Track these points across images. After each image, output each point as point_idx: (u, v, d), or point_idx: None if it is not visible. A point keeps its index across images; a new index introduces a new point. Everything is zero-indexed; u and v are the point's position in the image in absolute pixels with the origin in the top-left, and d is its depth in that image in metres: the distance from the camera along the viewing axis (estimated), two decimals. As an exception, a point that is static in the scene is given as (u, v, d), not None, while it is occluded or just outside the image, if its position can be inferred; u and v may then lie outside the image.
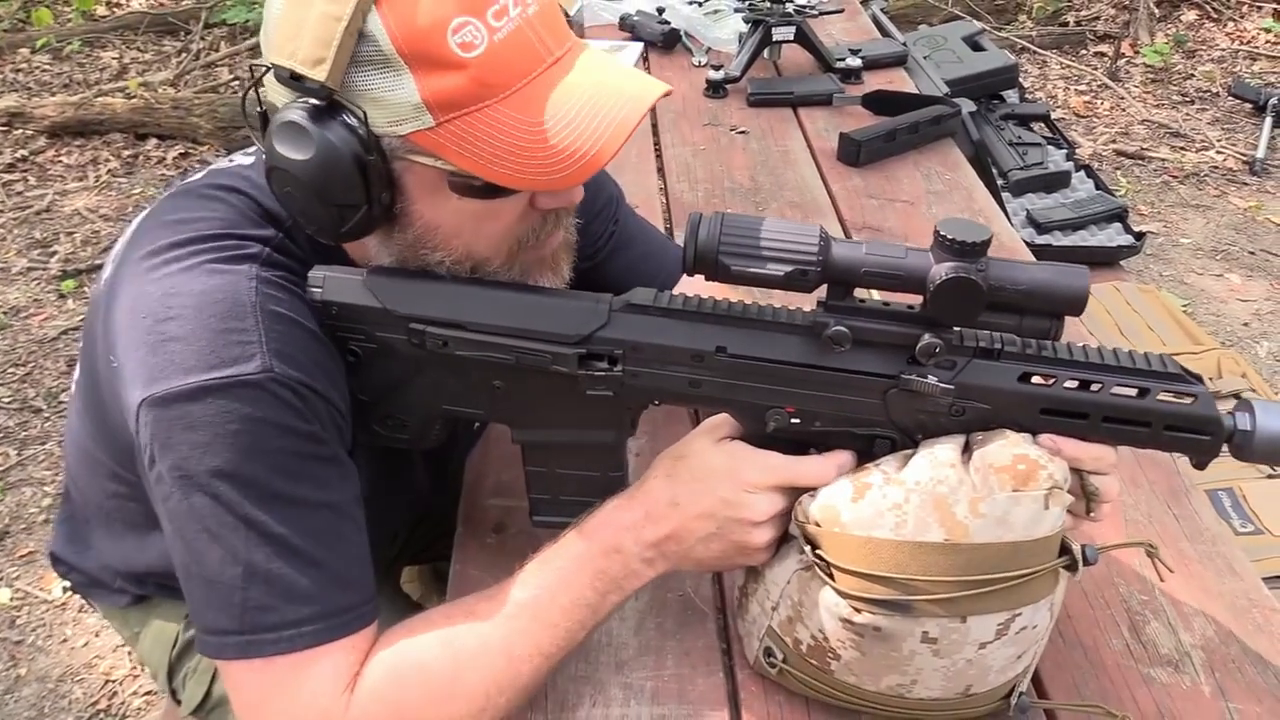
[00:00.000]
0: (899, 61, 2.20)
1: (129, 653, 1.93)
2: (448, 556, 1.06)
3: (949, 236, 0.75)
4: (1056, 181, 2.27)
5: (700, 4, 2.29)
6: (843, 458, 0.85)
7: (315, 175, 0.77)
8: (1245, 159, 3.63)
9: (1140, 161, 3.65)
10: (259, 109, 0.81)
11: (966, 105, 1.97)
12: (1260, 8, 4.76)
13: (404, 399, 0.91)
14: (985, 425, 0.81)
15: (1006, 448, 0.78)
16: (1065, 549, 0.78)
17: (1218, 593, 1.02)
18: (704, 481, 0.85)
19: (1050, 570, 0.78)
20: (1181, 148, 3.75)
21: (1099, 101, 4.12)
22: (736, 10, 2.20)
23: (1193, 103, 4.12)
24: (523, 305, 0.85)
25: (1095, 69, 4.33)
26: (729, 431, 0.87)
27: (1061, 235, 2.15)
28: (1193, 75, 4.33)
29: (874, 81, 2.09)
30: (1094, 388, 0.79)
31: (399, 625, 0.85)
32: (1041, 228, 2.12)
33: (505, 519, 1.09)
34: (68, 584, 1.20)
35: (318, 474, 0.82)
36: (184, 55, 4.24)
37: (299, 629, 0.79)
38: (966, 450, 0.80)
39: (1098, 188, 2.30)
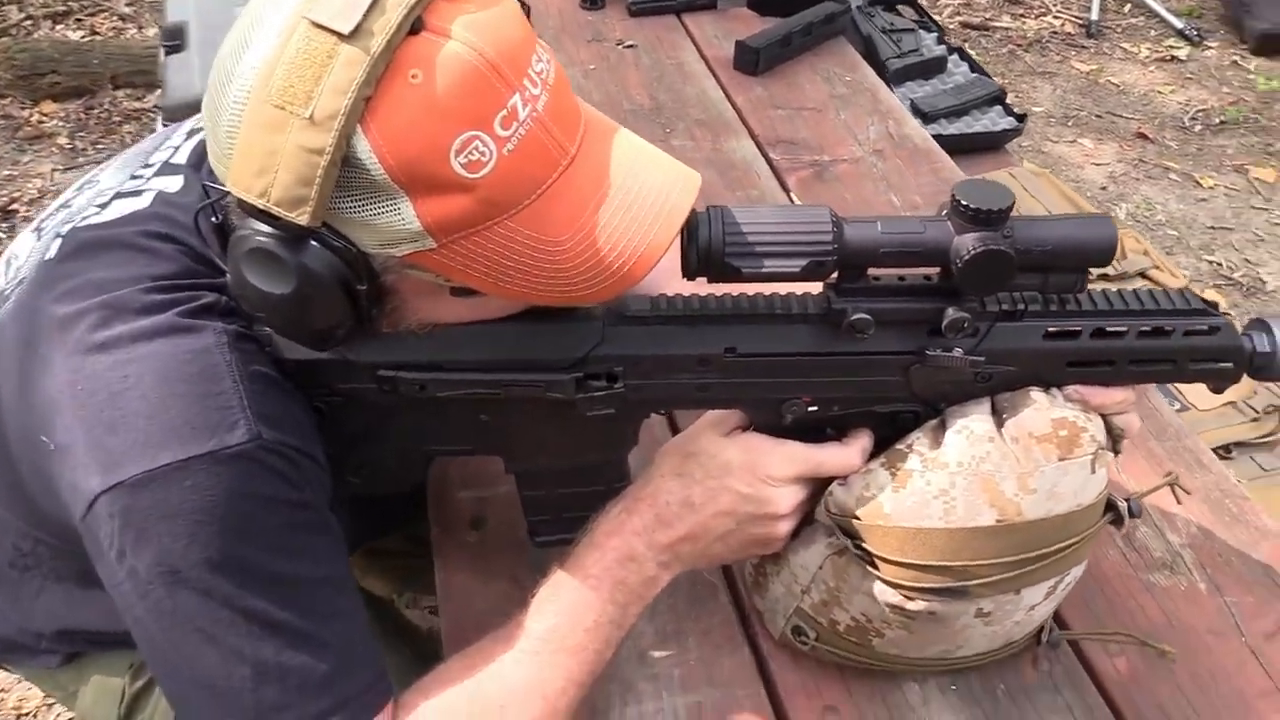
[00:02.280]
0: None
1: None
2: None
3: (969, 205, 0.70)
4: (934, 67, 2.25)
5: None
6: (865, 440, 0.80)
7: (297, 308, 0.65)
8: (1081, 22, 3.71)
9: (985, 32, 3.68)
10: (214, 218, 0.68)
11: None
12: None
13: (379, 447, 0.81)
14: (1010, 386, 0.78)
15: (1042, 413, 0.75)
16: (1110, 505, 0.77)
17: (1192, 488, 1.04)
18: (719, 479, 0.79)
19: (1098, 528, 0.76)
20: (1021, 15, 3.80)
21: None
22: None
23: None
24: (506, 336, 0.75)
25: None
26: (738, 423, 0.82)
27: (947, 123, 2.13)
28: (1022, -61, 4.36)
29: (751, -18, 1.99)
30: (1119, 334, 0.76)
31: (416, 688, 0.77)
32: (927, 117, 2.10)
33: (482, 511, 1.02)
34: None
35: (313, 546, 0.72)
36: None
37: None
38: (995, 414, 0.77)
39: (973, 70, 2.29)
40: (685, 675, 0.89)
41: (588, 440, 0.80)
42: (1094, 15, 3.68)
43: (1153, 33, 3.68)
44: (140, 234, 0.73)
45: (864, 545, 0.77)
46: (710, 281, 0.72)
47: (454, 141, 0.61)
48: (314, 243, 0.63)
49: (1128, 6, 3.84)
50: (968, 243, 0.69)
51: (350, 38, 0.59)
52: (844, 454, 0.79)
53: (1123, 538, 0.99)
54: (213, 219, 0.72)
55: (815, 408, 0.79)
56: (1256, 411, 1.43)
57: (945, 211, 0.72)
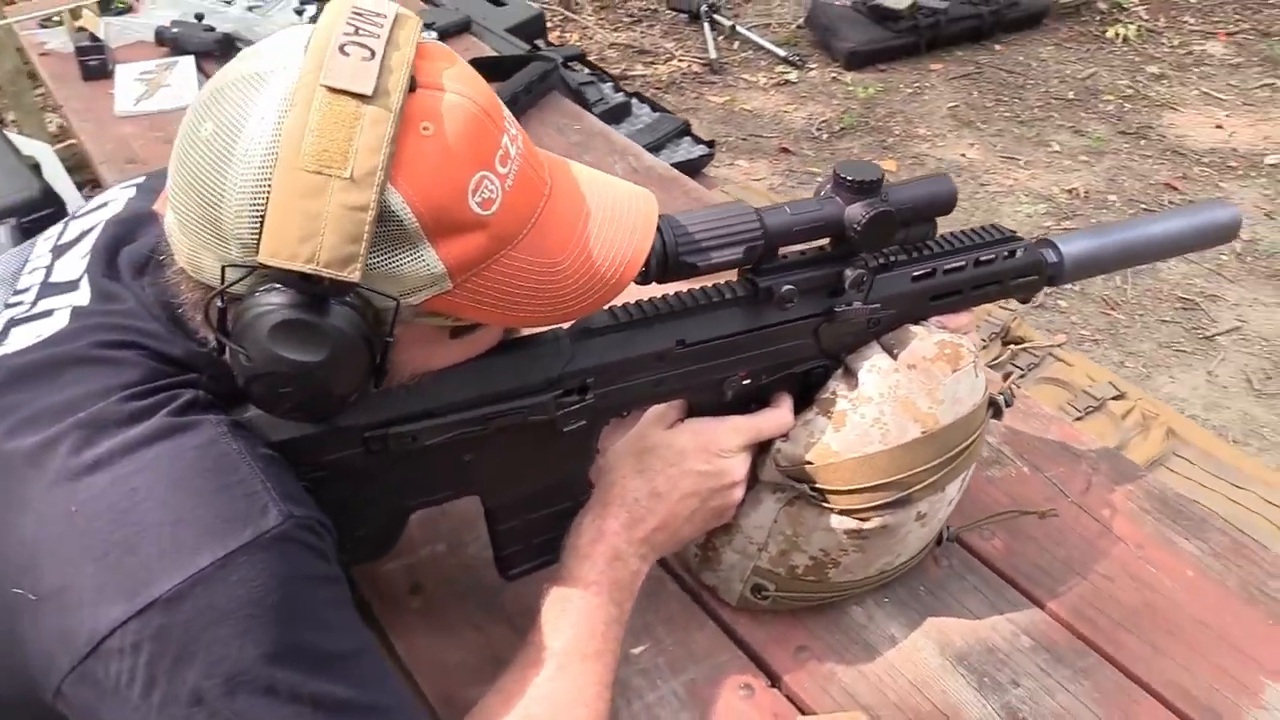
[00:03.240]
0: (464, 27, 2.21)
1: None
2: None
3: (854, 179, 0.84)
4: (622, 112, 2.46)
5: (256, 6, 2.09)
6: (788, 400, 0.92)
7: (329, 372, 0.65)
8: (704, 62, 4.16)
9: (626, 81, 4.01)
10: (220, 307, 0.65)
11: (557, 55, 2.05)
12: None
13: (362, 515, 0.81)
14: (890, 328, 0.93)
15: (925, 340, 0.91)
16: (991, 401, 0.94)
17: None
18: (678, 464, 0.87)
19: (986, 422, 0.93)
20: (651, 62, 4.19)
21: (567, 35, 4.43)
22: (302, 3, 2.05)
23: (640, 21, 4.59)
24: (485, 371, 0.79)
25: (549, 4, 4.62)
26: (679, 413, 0.90)
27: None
28: (630, -4, 4.81)
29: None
30: (961, 268, 0.94)
31: None
32: (631, 156, 2.30)
33: (415, 577, 1.03)
34: None
35: (351, 618, 0.71)
36: None
37: None
38: (887, 351, 0.92)
39: (654, 110, 2.53)
40: (669, 661, 0.96)
41: (561, 456, 0.85)
42: (713, 54, 4.14)
43: (764, 63, 4.20)
44: (94, 345, 0.69)
45: (817, 486, 0.89)
46: (664, 281, 0.81)
47: (469, 183, 0.65)
48: (339, 304, 0.64)
49: (736, 44, 4.36)
50: (858, 210, 0.84)
51: (372, 99, 0.62)
52: (778, 415, 0.91)
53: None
54: (178, 313, 0.70)
55: (749, 380, 0.90)
56: (984, 340, 1.73)
57: (826, 190, 0.86)
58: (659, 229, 0.78)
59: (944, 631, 0.99)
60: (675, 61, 4.19)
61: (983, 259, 0.95)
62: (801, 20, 4.50)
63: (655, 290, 0.85)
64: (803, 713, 0.91)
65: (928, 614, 1.01)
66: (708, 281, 0.86)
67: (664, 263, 0.79)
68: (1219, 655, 0.98)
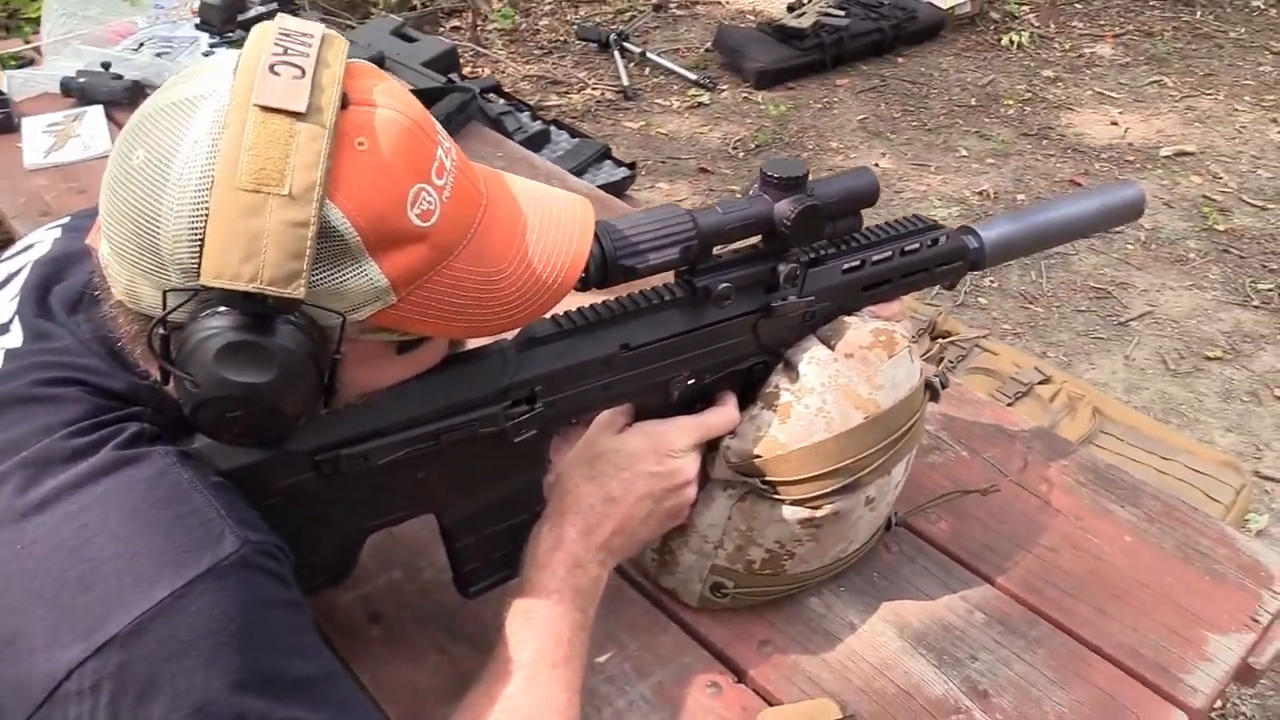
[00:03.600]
0: (379, 63, 2.21)
1: None
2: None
3: (780, 176, 0.87)
4: (542, 139, 2.48)
5: (164, 52, 2.06)
6: (733, 398, 0.94)
7: (278, 392, 0.64)
8: (616, 89, 4.21)
9: (542, 110, 4.04)
10: (162, 335, 0.64)
11: (474, 86, 2.06)
12: (560, -37, 5.42)
13: (316, 541, 0.79)
14: (826, 320, 0.96)
15: (860, 329, 0.94)
16: (928, 385, 0.97)
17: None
18: (630, 468, 0.88)
19: (924, 405, 0.96)
20: (565, 92, 4.22)
21: (479, 69, 4.44)
22: (211, 46, 2.03)
23: (551, 53, 4.63)
24: (433, 386, 0.79)
25: (460, 41, 4.64)
26: (626, 418, 0.91)
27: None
28: (539, 30, 4.85)
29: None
30: (888, 258, 0.97)
31: None
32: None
33: (374, 607, 1.01)
34: None
35: (315, 643, 0.70)
36: None
37: None
38: (825, 343, 0.94)
39: (573, 135, 2.55)
40: (634, 666, 0.96)
41: (513, 467, 0.85)
42: (625, 81, 4.19)
43: (676, 87, 4.27)
44: (32, 384, 0.68)
45: (768, 479, 0.90)
46: (604, 286, 0.82)
47: (408, 195, 0.66)
48: (284, 324, 0.64)
49: (647, 70, 4.42)
50: (787, 206, 0.86)
51: (305, 116, 0.62)
52: (724, 412, 0.92)
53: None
54: (117, 347, 0.69)
55: (693, 380, 0.91)
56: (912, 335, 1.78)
57: (755, 189, 0.88)
58: (596, 235, 0.80)
59: (900, 614, 1.01)
60: (589, 90, 4.23)
61: (908, 248, 0.99)
62: (709, 44, 4.59)
63: (596, 297, 0.86)
64: (770, 705, 0.92)
65: (883, 599, 1.03)
66: (646, 285, 0.88)
67: (603, 268, 0.80)
68: (1162, 613, 1.02)
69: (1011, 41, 4.77)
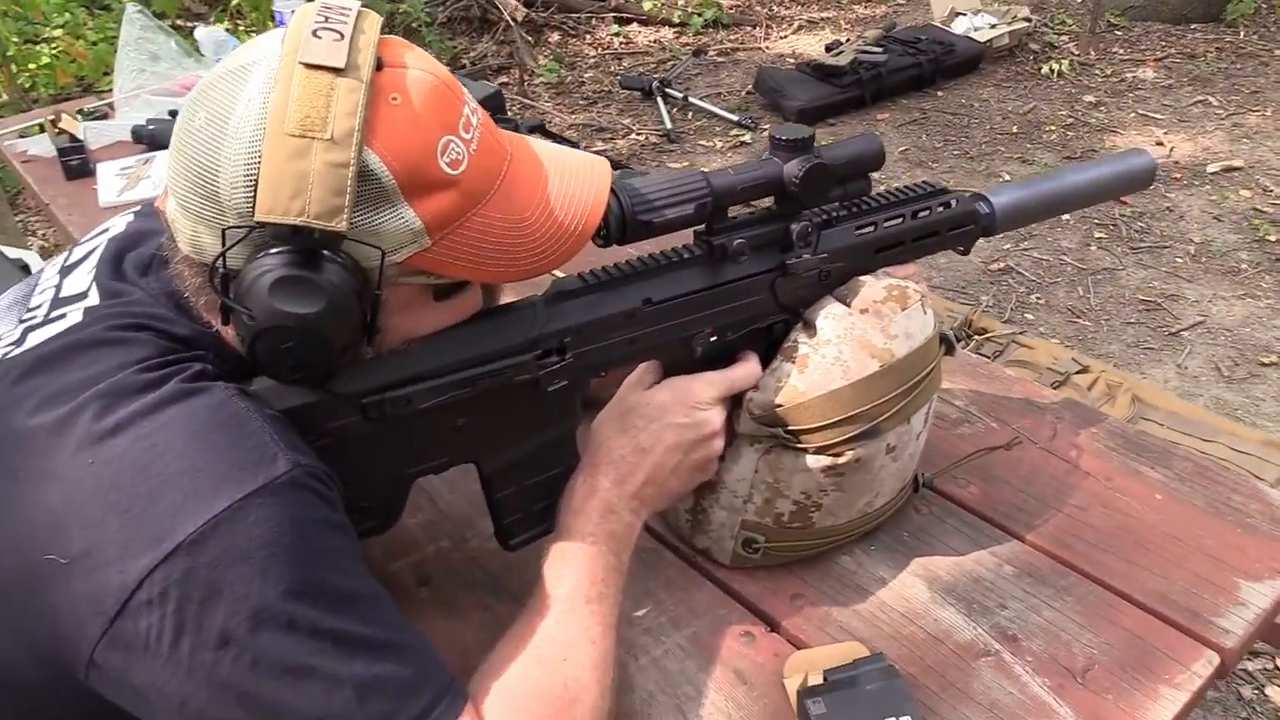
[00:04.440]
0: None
1: None
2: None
3: (786, 138, 0.93)
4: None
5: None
6: (754, 356, 0.99)
7: (326, 323, 0.72)
8: (660, 133, 4.32)
9: (617, 167, 4.16)
10: (222, 273, 0.72)
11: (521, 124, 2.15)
12: (603, 18, 5.61)
13: (365, 484, 0.85)
14: (842, 281, 1.00)
15: (874, 286, 0.98)
16: (943, 338, 1.01)
17: (951, 365, 1.34)
18: (660, 419, 0.93)
19: (940, 357, 1.00)
20: (611, 138, 4.35)
21: (526, 117, 4.60)
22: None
23: (596, 103, 4.78)
24: (469, 335, 0.85)
25: (508, 92, 4.81)
26: (655, 376, 0.97)
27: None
28: (584, 82, 5.01)
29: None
30: (900, 219, 1.02)
31: (479, 674, 0.82)
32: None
33: (423, 571, 1.07)
34: None
35: (363, 568, 0.76)
36: None
37: (430, 717, 0.74)
38: (840, 301, 0.99)
39: (615, 166, 2.64)
40: (670, 619, 1.00)
41: (548, 417, 0.91)
42: (668, 124, 4.31)
43: (718, 128, 4.38)
44: (107, 329, 0.76)
45: (790, 429, 0.94)
46: (623, 243, 0.88)
47: (438, 145, 0.73)
48: (330, 262, 0.71)
49: (690, 114, 4.54)
50: (795, 166, 0.92)
51: (344, 72, 0.70)
52: (747, 368, 0.97)
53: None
54: (183, 300, 0.77)
55: (716, 337, 0.96)
56: (948, 332, 1.81)
57: (765, 155, 0.94)
58: (614, 193, 0.86)
59: (930, 569, 1.04)
60: (633, 135, 4.35)
61: (919, 211, 1.03)
62: (750, 87, 4.70)
63: (619, 256, 0.92)
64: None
65: (913, 555, 1.06)
66: (664, 246, 0.93)
67: (622, 223, 0.86)
68: (1194, 563, 1.03)
69: (1052, 70, 4.81)
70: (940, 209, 1.05)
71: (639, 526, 0.93)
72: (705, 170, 0.91)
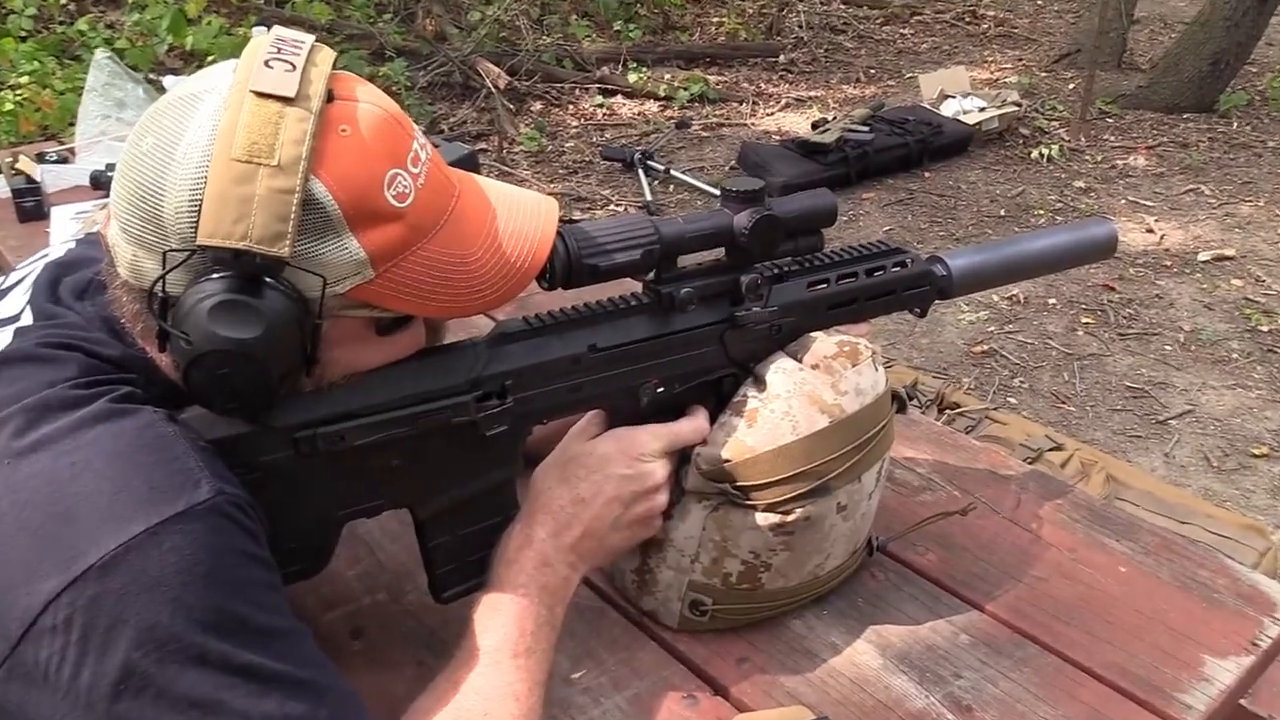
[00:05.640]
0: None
1: None
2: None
3: (737, 190, 0.97)
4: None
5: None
6: (703, 410, 1.01)
7: (264, 350, 0.74)
8: (639, 204, 4.42)
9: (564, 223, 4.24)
10: (161, 297, 0.74)
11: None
12: (587, 89, 5.77)
13: (292, 523, 0.86)
14: (794, 336, 1.04)
15: (825, 342, 1.01)
16: (895, 395, 1.04)
17: (915, 435, 1.36)
18: (601, 470, 0.95)
19: (892, 415, 1.03)
20: (589, 208, 4.44)
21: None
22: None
23: (576, 173, 4.89)
24: (405, 373, 0.87)
25: (486, 160, 4.92)
26: (599, 427, 0.99)
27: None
28: (565, 151, 5.13)
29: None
30: (854, 275, 1.06)
31: None
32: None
33: (357, 623, 1.07)
34: None
35: (283, 604, 0.77)
36: None
37: None
38: (792, 356, 1.02)
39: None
40: (611, 679, 1.00)
41: (487, 463, 0.93)
42: (648, 196, 4.41)
43: (699, 202, 4.47)
44: (36, 346, 0.78)
45: (739, 485, 0.96)
46: (568, 287, 0.91)
47: (385, 177, 0.77)
48: (271, 288, 0.74)
49: (671, 186, 4.64)
50: (744, 218, 0.96)
51: (294, 101, 0.74)
52: (694, 422, 0.99)
53: (888, 482, 1.28)
54: (118, 326, 0.80)
55: (662, 389, 0.99)
56: (920, 407, 1.84)
57: (719, 204, 0.98)
58: (561, 236, 0.89)
59: (884, 636, 1.05)
60: (612, 205, 4.45)
61: (873, 269, 1.07)
62: (733, 161, 4.82)
63: (565, 303, 0.95)
64: (746, 715, 0.96)
65: (867, 621, 1.07)
66: (612, 293, 0.97)
67: (568, 266, 0.89)
68: (1157, 637, 1.05)
69: (1042, 155, 4.97)
70: (896, 268, 1.09)
71: (575, 581, 0.94)
72: (654, 217, 0.95)
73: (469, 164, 2.84)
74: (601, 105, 5.70)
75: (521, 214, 0.87)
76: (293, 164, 0.73)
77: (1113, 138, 5.24)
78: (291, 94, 0.74)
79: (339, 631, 1.05)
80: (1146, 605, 1.09)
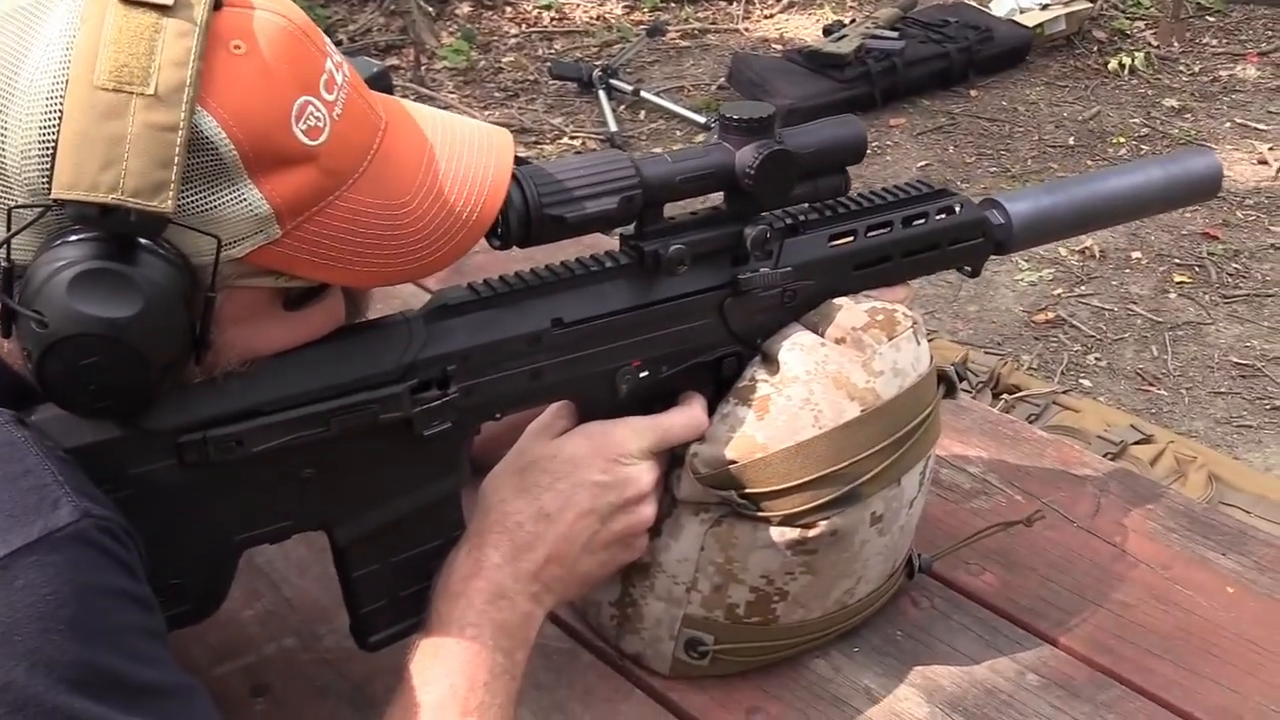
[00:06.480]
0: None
1: None
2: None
3: (740, 118, 0.99)
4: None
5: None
6: (699, 399, 1.03)
7: (142, 333, 0.75)
8: (602, 137, 4.45)
9: (526, 161, 4.26)
10: (5, 266, 0.75)
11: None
12: (528, -13, 5.80)
13: (176, 552, 0.87)
14: (812, 304, 1.07)
15: (853, 310, 1.05)
16: (941, 375, 1.08)
17: (963, 425, 1.41)
18: (570, 476, 0.97)
19: (939, 401, 1.07)
20: (536, 142, 4.47)
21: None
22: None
23: (517, 95, 4.91)
24: (320, 358, 0.88)
25: (398, 80, 4.92)
26: (568, 421, 1.01)
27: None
28: (502, 68, 5.14)
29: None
30: (887, 225, 1.09)
31: None
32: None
33: (259, 677, 1.10)
34: None
35: (166, 654, 0.78)
36: None
37: None
38: (811, 329, 1.06)
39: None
40: (590, 738, 1.04)
41: (425, 470, 0.94)
42: (612, 127, 4.45)
43: (679, 133, 4.52)
44: None
45: (747, 492, 1.00)
46: (528, 244, 0.93)
47: (292, 108, 0.78)
48: (150, 253, 0.75)
49: (642, 113, 4.67)
50: (749, 154, 0.98)
51: (172, 10, 0.74)
52: (688, 414, 1.02)
53: (933, 485, 1.32)
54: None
55: (645, 372, 1.01)
56: (971, 392, 1.89)
57: (716, 137, 1.01)
58: (517, 180, 0.91)
59: (930, 678, 1.09)
60: (565, 139, 4.47)
61: (912, 218, 1.11)
62: (723, 79, 4.85)
63: (524, 265, 0.97)
64: (761, 783, 1.00)
65: (909, 661, 1.11)
66: (581, 252, 0.99)
67: (525, 218, 0.91)
68: (1273, 674, 1.10)
69: (1122, 66, 5.02)
70: (940, 216, 1.12)
71: (540, 617, 0.96)
72: (634, 155, 0.97)
73: (378, 86, 2.87)
74: (549, 6, 5.70)
75: (466, 151, 0.89)
76: (174, 93, 0.74)
77: (1215, 41, 5.31)
78: (169, 1, 0.75)
79: (236, 688, 1.08)
80: (1261, 634, 1.14)
